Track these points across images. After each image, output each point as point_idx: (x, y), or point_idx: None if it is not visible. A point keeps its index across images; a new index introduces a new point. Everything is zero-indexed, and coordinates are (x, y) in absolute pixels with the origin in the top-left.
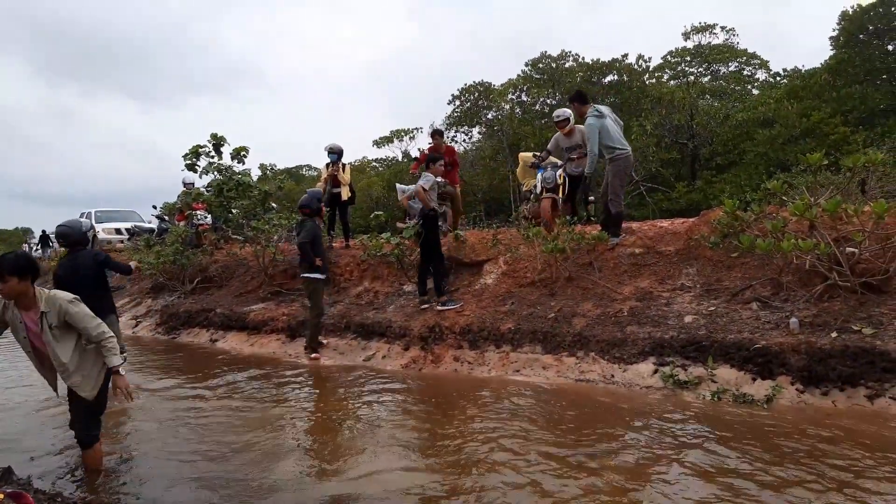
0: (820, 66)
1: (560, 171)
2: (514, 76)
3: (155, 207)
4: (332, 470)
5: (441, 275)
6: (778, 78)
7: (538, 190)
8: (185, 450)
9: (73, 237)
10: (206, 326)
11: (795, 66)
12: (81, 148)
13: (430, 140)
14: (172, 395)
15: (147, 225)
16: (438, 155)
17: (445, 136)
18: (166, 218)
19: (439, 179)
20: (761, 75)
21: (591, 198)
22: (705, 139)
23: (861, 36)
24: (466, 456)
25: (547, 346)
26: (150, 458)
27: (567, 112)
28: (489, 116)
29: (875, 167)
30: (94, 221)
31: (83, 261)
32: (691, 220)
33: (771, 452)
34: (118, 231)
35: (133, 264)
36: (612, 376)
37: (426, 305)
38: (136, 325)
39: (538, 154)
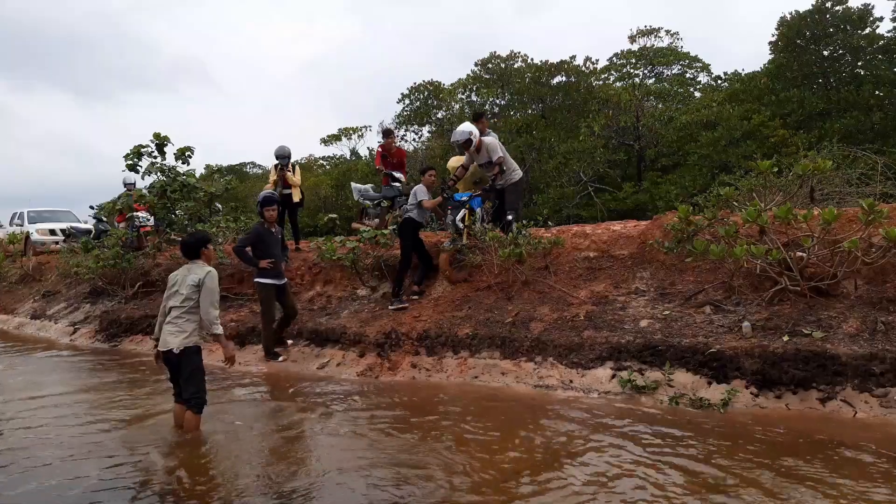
0: (759, 70)
1: (461, 214)
2: (460, 75)
3: (93, 207)
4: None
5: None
6: (719, 81)
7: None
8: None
9: None
10: (150, 333)
11: (736, 70)
12: (14, 145)
13: (381, 139)
14: (120, 405)
15: (84, 226)
16: (429, 166)
17: (395, 135)
18: (104, 219)
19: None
20: (703, 78)
21: (510, 216)
22: (651, 140)
23: (798, 41)
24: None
25: (505, 352)
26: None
27: (460, 133)
28: (439, 116)
29: (821, 173)
30: (27, 222)
31: None
32: (644, 223)
33: (730, 457)
34: (52, 232)
35: None
36: (571, 381)
37: (416, 297)
38: (74, 332)
39: (448, 179)
